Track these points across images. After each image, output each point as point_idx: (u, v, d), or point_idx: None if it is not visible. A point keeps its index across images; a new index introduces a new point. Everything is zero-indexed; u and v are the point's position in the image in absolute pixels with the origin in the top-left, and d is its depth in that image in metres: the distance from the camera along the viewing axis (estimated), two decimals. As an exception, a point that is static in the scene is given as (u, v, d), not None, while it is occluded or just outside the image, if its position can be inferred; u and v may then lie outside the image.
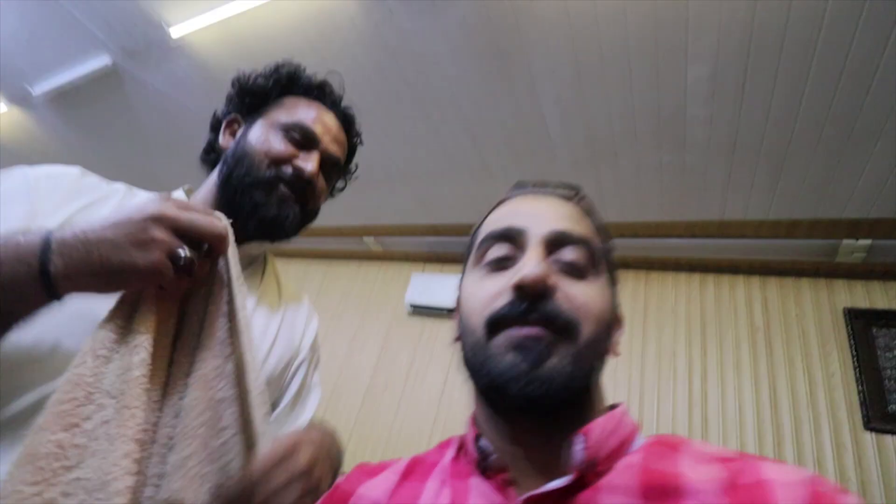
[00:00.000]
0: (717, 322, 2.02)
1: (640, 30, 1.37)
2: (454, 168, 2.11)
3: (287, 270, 2.99)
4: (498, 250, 0.44)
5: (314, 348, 0.78)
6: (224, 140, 0.74)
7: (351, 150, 0.82)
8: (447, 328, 2.53)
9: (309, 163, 0.68)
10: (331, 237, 2.84)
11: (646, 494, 0.35)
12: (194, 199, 0.72)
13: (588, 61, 1.50)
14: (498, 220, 0.46)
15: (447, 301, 2.45)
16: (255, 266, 0.74)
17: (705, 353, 1.97)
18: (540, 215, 0.45)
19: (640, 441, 0.41)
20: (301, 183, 0.68)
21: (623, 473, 0.37)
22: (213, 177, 0.72)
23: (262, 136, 0.69)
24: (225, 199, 0.68)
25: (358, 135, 0.83)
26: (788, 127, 1.47)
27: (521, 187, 0.50)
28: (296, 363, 0.73)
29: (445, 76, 1.69)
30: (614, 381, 2.01)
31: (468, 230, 0.53)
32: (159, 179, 2.89)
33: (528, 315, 0.39)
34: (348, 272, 2.97)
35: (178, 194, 0.72)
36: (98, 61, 2.10)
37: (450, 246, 2.56)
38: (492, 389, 0.40)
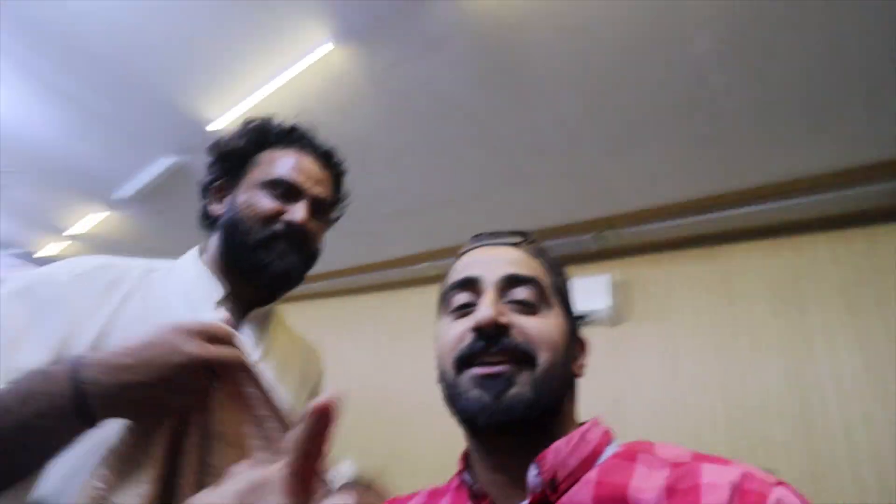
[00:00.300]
0: (805, 285, 1.86)
1: (636, 13, 1.33)
2: (495, 183, 2.14)
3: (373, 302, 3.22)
4: (460, 298, 0.50)
5: (319, 390, 0.84)
6: (214, 207, 0.76)
7: (337, 181, 0.83)
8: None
9: (297, 213, 0.70)
10: (392, 268, 2.97)
11: None
12: (206, 258, 0.75)
13: (596, 57, 1.48)
14: (458, 272, 0.52)
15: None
16: (264, 320, 0.77)
17: (796, 320, 1.83)
18: (492, 262, 0.50)
19: (609, 452, 0.45)
20: (296, 233, 0.71)
21: (581, 489, 0.41)
22: (215, 242, 0.75)
23: (249, 200, 0.71)
24: (231, 265, 0.72)
25: (340, 163, 0.83)
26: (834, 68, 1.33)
27: (477, 240, 0.56)
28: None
29: (459, 104, 1.74)
30: (702, 360, 1.93)
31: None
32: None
33: (488, 350, 0.45)
34: (413, 299, 3.07)
35: (193, 254, 0.76)
36: (165, 162, 2.42)
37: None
38: (465, 421, 0.46)
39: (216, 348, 0.48)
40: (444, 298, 0.52)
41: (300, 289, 0.79)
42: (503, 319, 0.45)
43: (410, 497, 0.55)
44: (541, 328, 0.46)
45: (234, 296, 0.71)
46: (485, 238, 0.55)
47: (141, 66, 1.85)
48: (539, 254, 0.54)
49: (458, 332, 0.47)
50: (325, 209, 0.77)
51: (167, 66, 1.82)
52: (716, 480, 0.37)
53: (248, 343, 0.68)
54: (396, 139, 1.94)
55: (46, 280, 0.60)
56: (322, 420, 0.30)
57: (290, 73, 1.64)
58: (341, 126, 1.90)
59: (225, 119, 1.97)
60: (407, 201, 2.37)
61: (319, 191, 0.75)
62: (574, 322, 0.52)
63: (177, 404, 0.47)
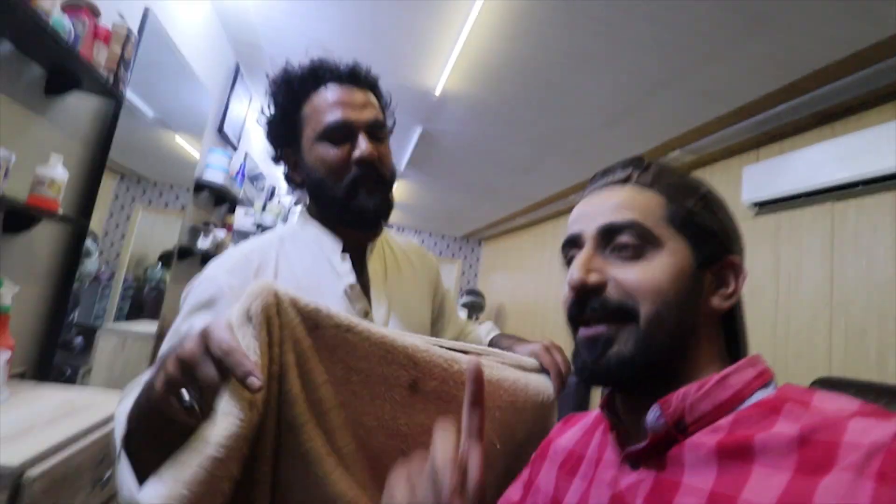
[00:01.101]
0: None
1: None
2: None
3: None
4: (570, 254, 0.50)
5: (441, 282, 0.94)
6: (294, 175, 0.80)
7: (378, 93, 0.81)
8: (807, 217, 2.03)
9: (361, 148, 0.72)
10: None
11: (720, 454, 0.37)
12: (315, 215, 0.79)
13: None
14: (568, 228, 0.52)
15: (798, 183, 1.97)
16: (376, 246, 0.81)
17: None
18: (592, 214, 0.48)
19: (757, 397, 0.40)
20: (370, 168, 0.73)
21: (709, 435, 0.39)
22: (300, 214, 0.81)
23: (316, 158, 0.73)
24: (334, 218, 0.77)
25: (370, 75, 0.81)
26: None
27: (591, 183, 0.54)
28: (438, 298, 0.91)
29: None
30: None
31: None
32: (492, 185, 3.66)
33: (583, 314, 0.45)
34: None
35: (303, 214, 0.80)
36: (416, 132, 2.92)
37: (781, 116, 2.04)
38: (578, 375, 0.48)
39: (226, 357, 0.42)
40: (562, 252, 0.52)
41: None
42: (592, 279, 0.44)
43: (581, 417, 0.59)
44: (641, 277, 0.43)
45: (348, 241, 0.77)
46: (597, 179, 0.53)
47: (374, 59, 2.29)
48: (655, 180, 0.48)
49: (566, 290, 0.48)
50: (381, 127, 0.77)
51: (391, 52, 2.17)
52: (858, 440, 0.31)
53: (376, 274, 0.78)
54: (585, 46, 1.77)
55: (206, 279, 0.67)
56: (478, 380, 0.37)
57: (470, 20, 1.72)
58: (534, 51, 1.87)
59: (442, 81, 2.23)
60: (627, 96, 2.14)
61: (368, 115, 0.74)
62: (712, 247, 0.46)
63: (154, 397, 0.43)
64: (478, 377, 0.38)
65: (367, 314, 0.73)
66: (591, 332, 0.44)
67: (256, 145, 3.32)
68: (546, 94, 2.21)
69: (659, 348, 0.43)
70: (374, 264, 0.79)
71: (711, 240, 0.46)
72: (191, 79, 1.99)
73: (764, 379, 0.42)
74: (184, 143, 2.14)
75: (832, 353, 1.84)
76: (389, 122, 0.82)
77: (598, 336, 0.44)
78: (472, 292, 5.68)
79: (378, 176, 0.74)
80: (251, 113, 2.95)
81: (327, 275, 0.73)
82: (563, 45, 1.82)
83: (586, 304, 0.45)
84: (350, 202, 0.72)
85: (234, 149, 2.72)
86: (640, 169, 0.50)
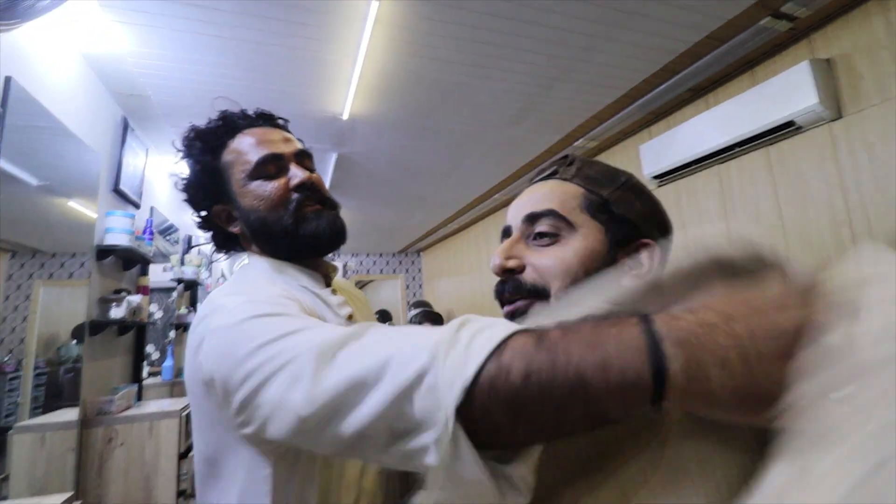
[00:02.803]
0: None
1: None
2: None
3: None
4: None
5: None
6: (231, 229, 0.75)
7: (288, 132, 0.81)
8: (700, 181, 2.25)
9: (297, 175, 0.71)
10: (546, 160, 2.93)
11: None
12: (255, 273, 0.72)
13: None
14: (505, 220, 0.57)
15: (687, 152, 2.18)
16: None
17: None
18: (520, 205, 0.54)
19: None
20: (312, 191, 0.72)
21: None
22: (259, 257, 0.74)
23: (252, 198, 0.70)
24: (292, 253, 0.72)
25: (277, 117, 0.82)
26: None
27: (530, 182, 0.59)
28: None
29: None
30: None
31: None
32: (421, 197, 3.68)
33: (504, 293, 0.51)
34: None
35: (263, 263, 0.73)
36: (331, 158, 2.89)
37: (662, 95, 2.24)
38: None
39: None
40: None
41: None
42: (510, 264, 0.51)
43: None
44: (553, 260, 0.49)
45: (317, 271, 0.75)
46: (532, 178, 0.59)
47: (272, 93, 2.24)
48: (576, 174, 0.54)
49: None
50: (309, 156, 0.77)
51: (289, 84, 2.13)
52: None
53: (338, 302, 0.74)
54: (477, 53, 1.85)
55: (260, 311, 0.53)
56: None
57: (364, 42, 1.74)
58: (431, 63, 1.92)
59: (348, 105, 2.23)
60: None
61: (294, 146, 0.75)
62: (624, 230, 0.50)
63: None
64: None
65: None
66: (511, 308, 0.50)
67: (162, 197, 3.12)
68: (450, 101, 2.28)
69: None
70: (343, 295, 0.79)
71: (625, 224, 0.51)
72: (71, 140, 1.84)
73: None
74: (79, 207, 1.97)
75: (743, 299, 2.03)
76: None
77: (516, 310, 0.50)
78: (420, 304, 5.67)
79: (321, 198, 0.73)
80: (151, 165, 2.77)
81: (323, 309, 0.70)
82: (457, 55, 1.88)
83: (506, 285, 0.51)
84: (299, 228, 0.70)
85: (137, 206, 2.53)
86: (565, 165, 0.56)
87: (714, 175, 2.18)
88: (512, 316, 0.50)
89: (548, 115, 2.48)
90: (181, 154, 0.76)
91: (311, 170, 0.76)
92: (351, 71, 1.95)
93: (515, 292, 0.50)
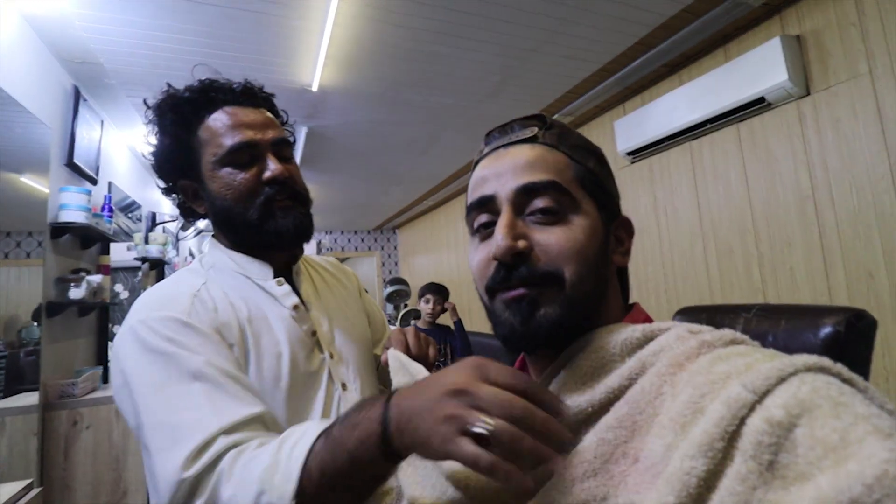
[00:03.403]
0: None
1: None
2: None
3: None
4: (480, 218, 0.47)
5: (364, 291, 0.93)
6: (196, 206, 0.73)
7: (275, 111, 0.77)
8: (672, 157, 2.27)
9: (271, 168, 0.68)
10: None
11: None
12: (216, 252, 0.73)
13: None
14: (474, 188, 0.48)
15: (661, 129, 2.19)
16: (300, 268, 0.78)
17: None
18: (505, 172, 0.45)
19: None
20: (284, 185, 0.68)
21: None
22: (216, 248, 0.73)
23: (220, 185, 0.68)
24: (252, 244, 0.71)
25: (265, 93, 0.77)
26: None
27: (489, 140, 0.50)
28: (367, 307, 0.90)
29: None
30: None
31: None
32: (389, 168, 3.60)
33: (510, 281, 0.43)
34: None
35: (218, 247, 0.73)
36: (301, 132, 2.79)
37: (638, 71, 2.22)
38: (504, 343, 0.45)
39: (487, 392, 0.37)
40: (467, 218, 0.49)
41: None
42: (521, 245, 0.43)
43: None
44: (564, 240, 0.43)
45: (274, 265, 0.72)
46: (496, 137, 0.49)
47: (236, 63, 2.13)
48: (560, 140, 0.47)
49: (483, 257, 0.45)
50: (287, 145, 0.73)
51: (254, 54, 2.02)
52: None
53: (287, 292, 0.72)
54: (452, 22, 1.79)
55: (176, 333, 0.58)
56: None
57: (332, 9, 1.65)
58: (405, 31, 1.85)
59: (317, 76, 2.14)
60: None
61: (273, 134, 0.70)
62: (610, 207, 0.47)
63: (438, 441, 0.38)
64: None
65: (314, 334, 0.72)
66: (514, 294, 0.43)
67: (122, 172, 2.96)
68: (425, 73, 2.21)
69: (583, 308, 0.44)
70: (304, 285, 0.76)
71: (610, 200, 0.47)
72: (17, 109, 1.71)
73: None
74: (32, 183, 1.85)
75: (709, 272, 2.10)
76: (291, 140, 0.77)
77: (522, 297, 0.42)
78: (396, 280, 5.65)
79: (293, 192, 0.70)
80: (108, 138, 2.61)
81: (266, 301, 0.70)
82: (431, 24, 1.82)
83: (513, 270, 0.43)
84: (264, 224, 0.68)
85: (94, 182, 2.40)
86: (545, 127, 0.48)
87: (686, 151, 2.20)
88: (517, 303, 0.43)
89: (525, 90, 2.44)
90: (152, 120, 0.71)
91: (289, 158, 0.73)
92: (319, 39, 1.86)
93: (525, 282, 0.42)
